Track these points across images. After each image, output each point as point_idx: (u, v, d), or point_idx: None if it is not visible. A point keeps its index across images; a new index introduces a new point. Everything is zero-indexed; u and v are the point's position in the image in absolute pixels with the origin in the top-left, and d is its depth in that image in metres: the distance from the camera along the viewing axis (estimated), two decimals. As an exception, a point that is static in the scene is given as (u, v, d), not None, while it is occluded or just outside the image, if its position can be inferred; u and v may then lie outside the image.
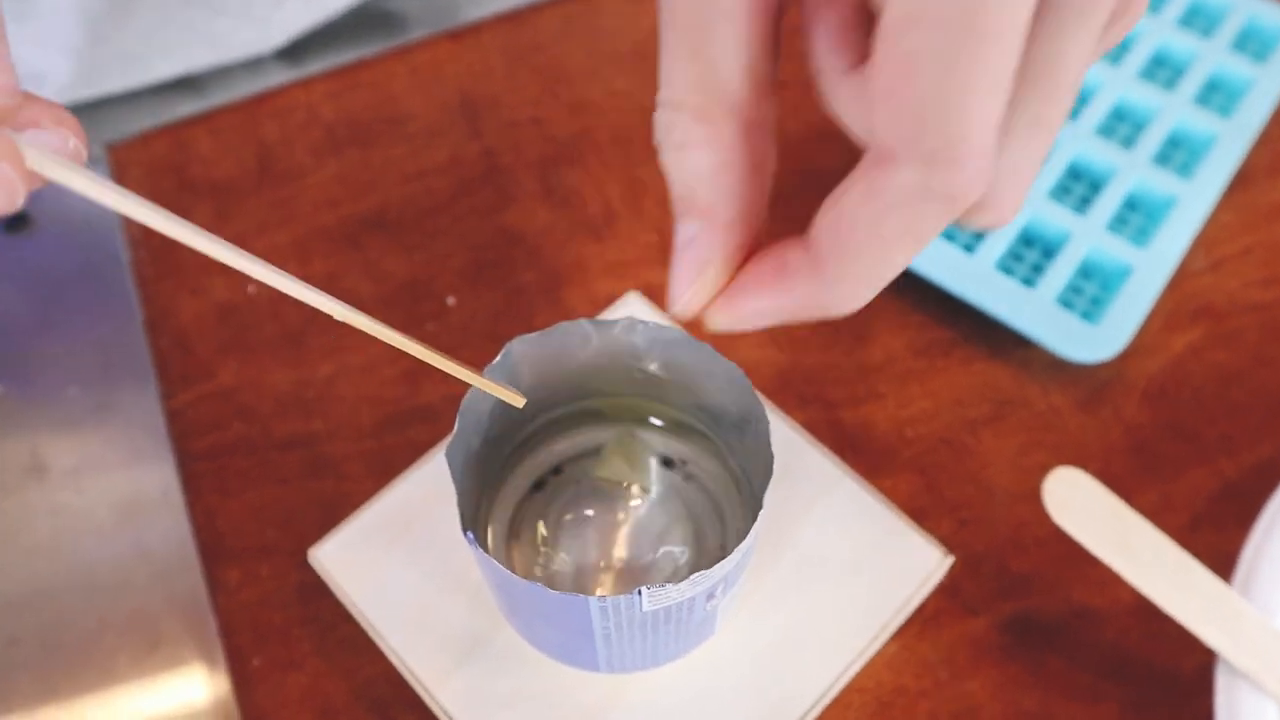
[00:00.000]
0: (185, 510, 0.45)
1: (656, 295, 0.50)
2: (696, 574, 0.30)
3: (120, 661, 0.42)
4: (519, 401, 0.34)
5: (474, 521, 0.38)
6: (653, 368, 0.38)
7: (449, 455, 0.33)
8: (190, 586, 0.43)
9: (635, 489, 0.40)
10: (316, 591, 0.43)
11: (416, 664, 0.39)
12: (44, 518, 0.46)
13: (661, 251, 0.51)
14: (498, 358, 0.35)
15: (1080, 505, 0.38)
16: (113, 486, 0.46)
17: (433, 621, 0.39)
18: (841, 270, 0.23)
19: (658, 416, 0.41)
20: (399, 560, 0.41)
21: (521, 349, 0.36)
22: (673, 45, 0.22)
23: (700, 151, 0.23)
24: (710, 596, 0.33)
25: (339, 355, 0.49)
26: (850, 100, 0.22)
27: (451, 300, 0.50)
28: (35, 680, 0.42)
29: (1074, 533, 0.38)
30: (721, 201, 0.24)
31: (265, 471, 0.46)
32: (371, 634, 0.40)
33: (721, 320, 0.26)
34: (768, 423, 0.33)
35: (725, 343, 0.48)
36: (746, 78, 0.22)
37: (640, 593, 0.30)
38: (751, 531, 0.31)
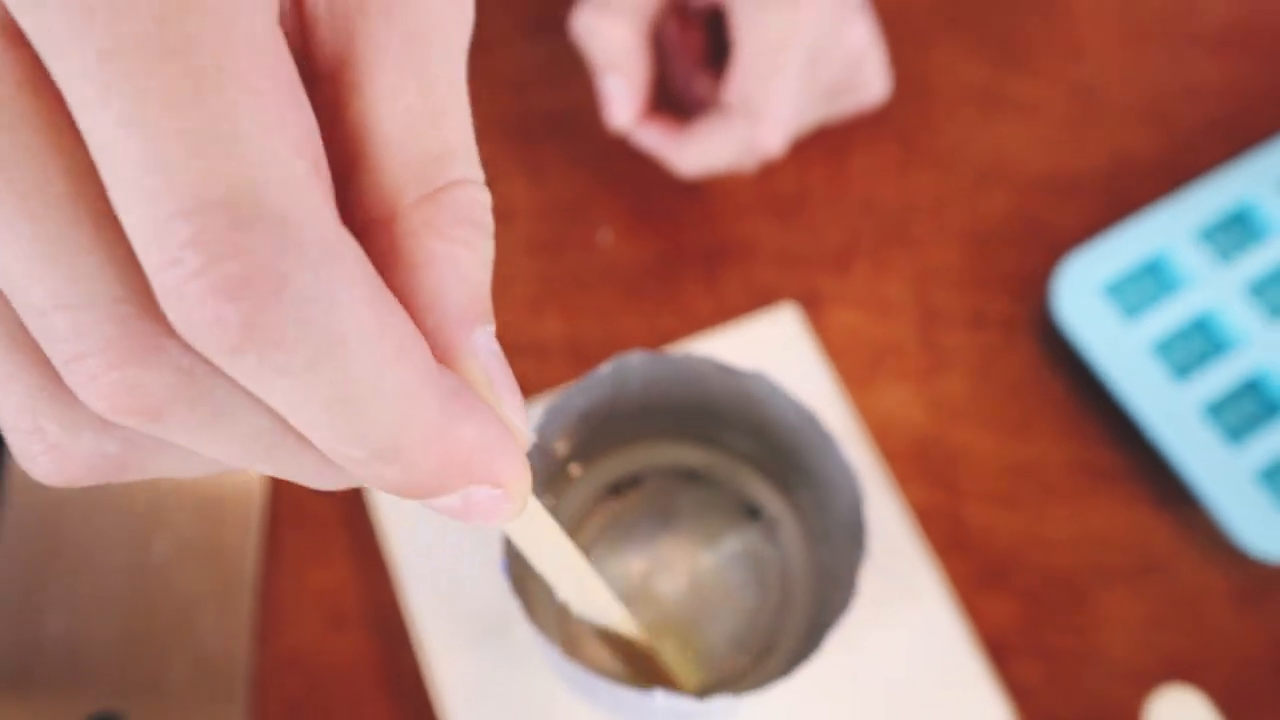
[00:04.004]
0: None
1: (821, 310, 0.45)
2: (719, 698, 0.27)
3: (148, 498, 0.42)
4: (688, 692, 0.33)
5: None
6: (765, 420, 0.33)
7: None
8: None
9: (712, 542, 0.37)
10: (368, 492, 0.41)
11: (428, 636, 0.37)
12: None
13: (845, 257, 0.46)
14: (608, 367, 0.31)
15: (1186, 740, 0.33)
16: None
17: (461, 594, 0.37)
18: (690, 151, 0.42)
19: (761, 461, 0.37)
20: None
21: (636, 364, 0.32)
22: None
23: (618, 36, 0.41)
24: (733, 711, 0.30)
25: (473, 254, 0.46)
26: (703, 83, 0.45)
27: (606, 235, 0.46)
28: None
29: (1167, 769, 0.33)
30: (634, 65, 0.42)
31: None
32: (394, 578, 0.39)
33: (633, 131, 0.43)
34: (864, 554, 0.29)
35: (869, 388, 0.43)
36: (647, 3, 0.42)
37: (654, 695, 0.27)
38: (795, 672, 0.27)
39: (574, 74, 0.49)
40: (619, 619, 0.28)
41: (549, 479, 0.35)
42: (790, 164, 0.48)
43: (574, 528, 0.36)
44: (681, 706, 0.27)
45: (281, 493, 0.42)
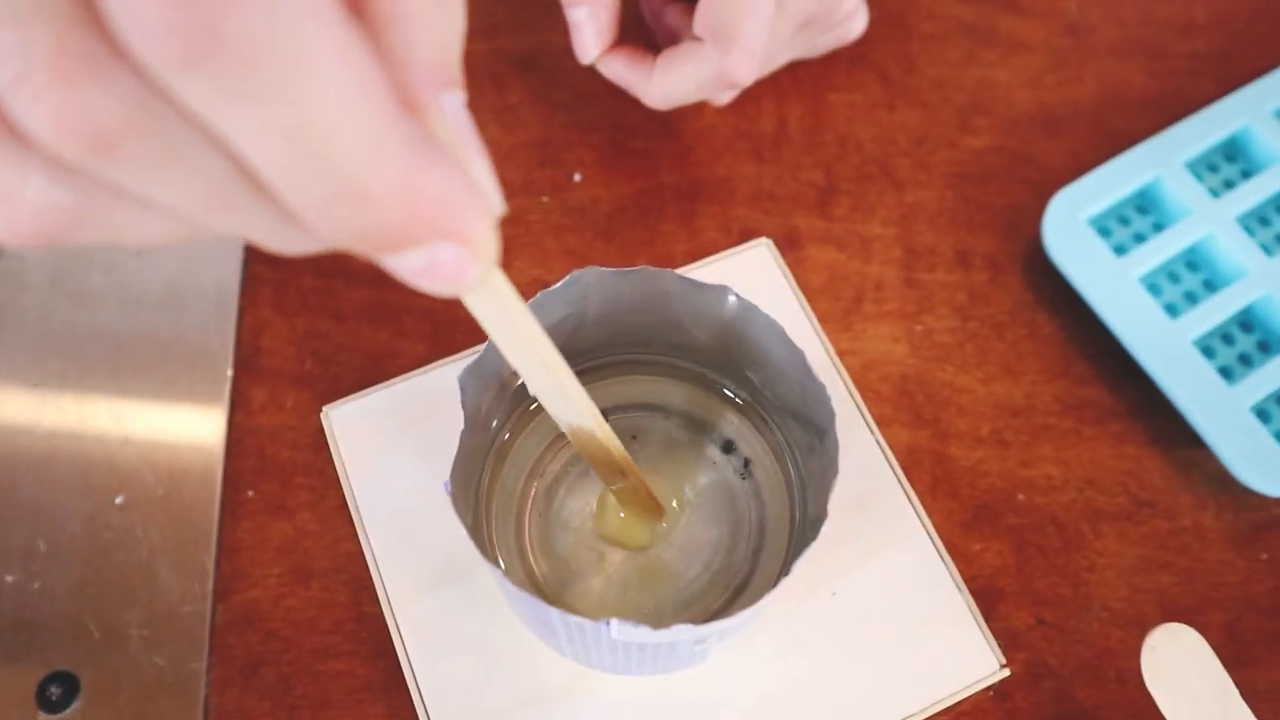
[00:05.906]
0: (234, 314, 0.42)
1: (795, 246, 0.43)
2: (679, 626, 0.25)
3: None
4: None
5: (494, 448, 0.34)
6: (734, 344, 0.32)
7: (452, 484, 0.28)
8: (212, 391, 0.40)
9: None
10: (330, 439, 0.39)
11: (392, 585, 0.35)
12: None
13: (824, 196, 0.44)
14: (560, 284, 0.30)
15: (1184, 678, 0.31)
16: (167, 259, 0.43)
17: (419, 536, 0.36)
18: (659, 81, 0.40)
19: (733, 392, 0.35)
20: (408, 454, 0.37)
21: (594, 280, 0.30)
22: None
23: None
24: (699, 642, 0.28)
25: (440, 199, 0.44)
26: (672, 16, 0.42)
27: (578, 177, 0.45)
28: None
29: (1167, 710, 0.31)
30: None
31: (324, 302, 0.42)
32: (356, 525, 0.37)
33: (600, 61, 0.41)
34: (835, 472, 0.27)
35: (850, 328, 0.42)
36: None
37: (609, 624, 0.25)
38: (762, 601, 0.26)
39: (544, 15, 0.47)
40: (593, 421, 0.27)
41: (508, 412, 0.33)
42: (767, 102, 0.46)
43: (534, 465, 0.35)
44: (637, 637, 0.26)
45: (243, 445, 0.40)
